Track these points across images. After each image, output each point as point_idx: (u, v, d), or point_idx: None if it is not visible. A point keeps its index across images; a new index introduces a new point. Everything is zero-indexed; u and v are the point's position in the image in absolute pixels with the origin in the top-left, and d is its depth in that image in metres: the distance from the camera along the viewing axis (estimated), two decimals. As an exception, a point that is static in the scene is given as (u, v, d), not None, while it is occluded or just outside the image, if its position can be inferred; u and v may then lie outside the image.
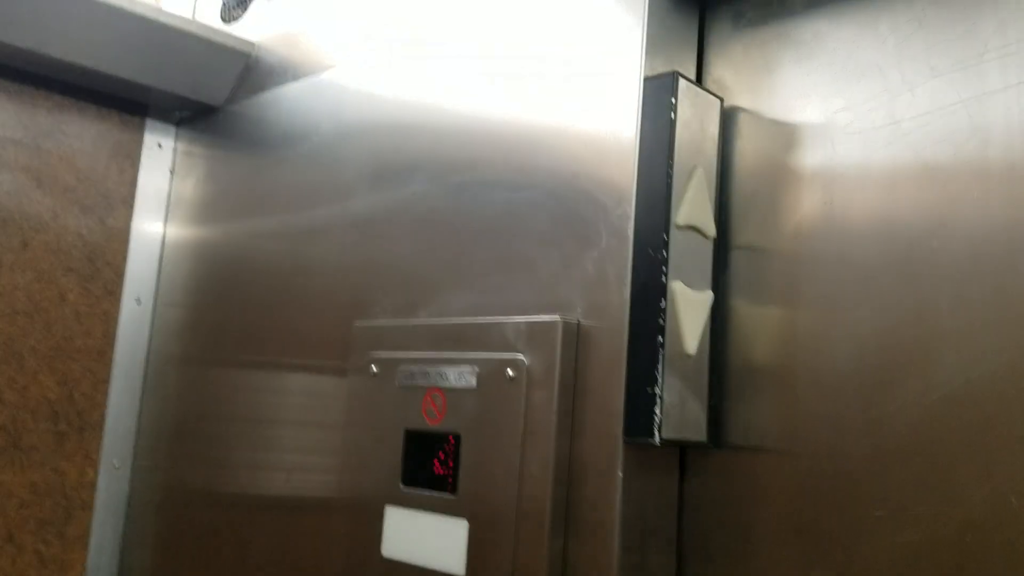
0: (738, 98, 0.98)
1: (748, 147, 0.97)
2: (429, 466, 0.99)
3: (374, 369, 1.08)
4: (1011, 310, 0.77)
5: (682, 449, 0.95)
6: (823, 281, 0.89)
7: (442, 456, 0.98)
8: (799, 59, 0.94)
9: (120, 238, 1.57)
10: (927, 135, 0.84)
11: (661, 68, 0.94)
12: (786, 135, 0.94)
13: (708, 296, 0.93)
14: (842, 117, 0.90)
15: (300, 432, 1.24)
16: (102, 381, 1.53)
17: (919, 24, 0.86)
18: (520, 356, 0.94)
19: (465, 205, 1.08)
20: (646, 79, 0.92)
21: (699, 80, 1.01)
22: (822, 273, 0.89)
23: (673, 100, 0.90)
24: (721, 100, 0.97)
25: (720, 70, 1.00)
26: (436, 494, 0.98)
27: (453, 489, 0.96)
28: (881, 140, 0.87)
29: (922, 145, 0.84)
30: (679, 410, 0.89)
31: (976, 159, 0.81)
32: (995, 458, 0.76)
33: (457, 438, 0.97)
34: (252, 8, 1.53)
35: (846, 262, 0.88)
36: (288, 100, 1.40)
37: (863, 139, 0.88)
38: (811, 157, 0.92)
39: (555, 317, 0.93)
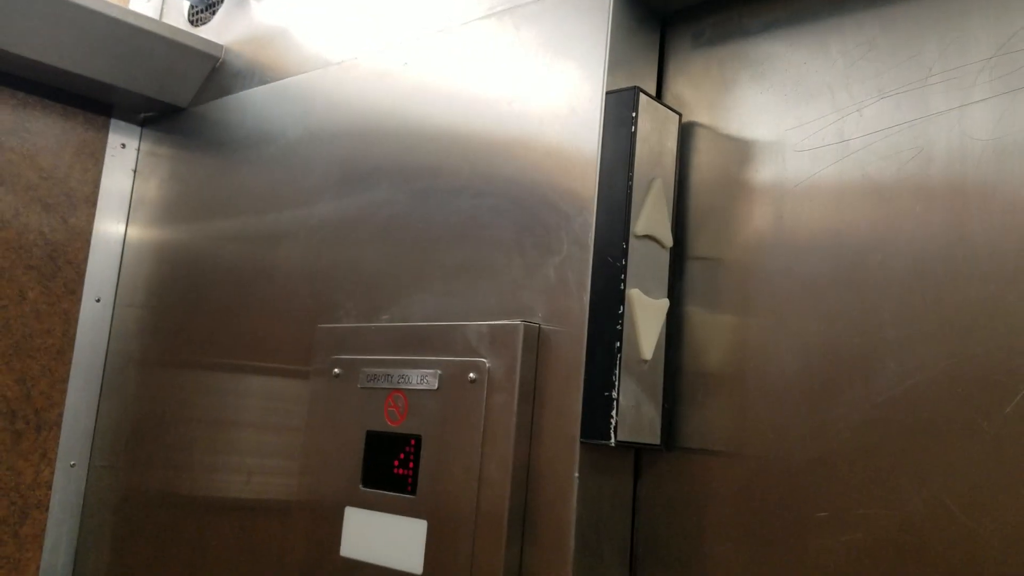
0: (696, 114, 1.02)
1: (705, 161, 1.00)
2: (389, 467, 1.01)
3: (336, 371, 1.09)
4: (950, 322, 0.81)
5: (636, 451, 0.98)
6: (773, 291, 0.92)
7: (402, 457, 1.00)
8: (754, 78, 0.98)
9: (82, 237, 1.57)
10: (873, 153, 0.88)
11: (623, 83, 0.97)
12: (740, 150, 0.97)
13: (664, 303, 0.96)
14: (793, 135, 0.94)
15: (261, 434, 1.25)
16: (61, 380, 1.53)
17: (868, 47, 0.90)
18: (482, 359, 0.96)
19: (430, 211, 1.10)
20: (608, 93, 0.96)
21: (659, 95, 1.04)
22: (772, 284, 0.93)
23: (634, 114, 0.94)
24: (680, 115, 1.00)
25: (679, 86, 1.04)
26: (396, 495, 0.99)
27: (413, 490, 0.98)
28: (829, 158, 0.91)
29: (868, 163, 0.88)
30: (634, 413, 0.91)
31: (919, 177, 0.85)
32: (932, 463, 0.80)
33: (418, 439, 0.99)
34: (221, 12, 1.54)
35: (794, 274, 0.91)
36: (254, 103, 1.41)
37: (812, 156, 0.92)
38: (763, 172, 0.95)
39: (517, 322, 0.95)
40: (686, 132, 1.02)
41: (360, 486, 1.03)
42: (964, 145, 0.83)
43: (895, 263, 0.85)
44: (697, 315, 0.97)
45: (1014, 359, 0.77)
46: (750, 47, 0.99)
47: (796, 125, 0.93)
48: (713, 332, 0.96)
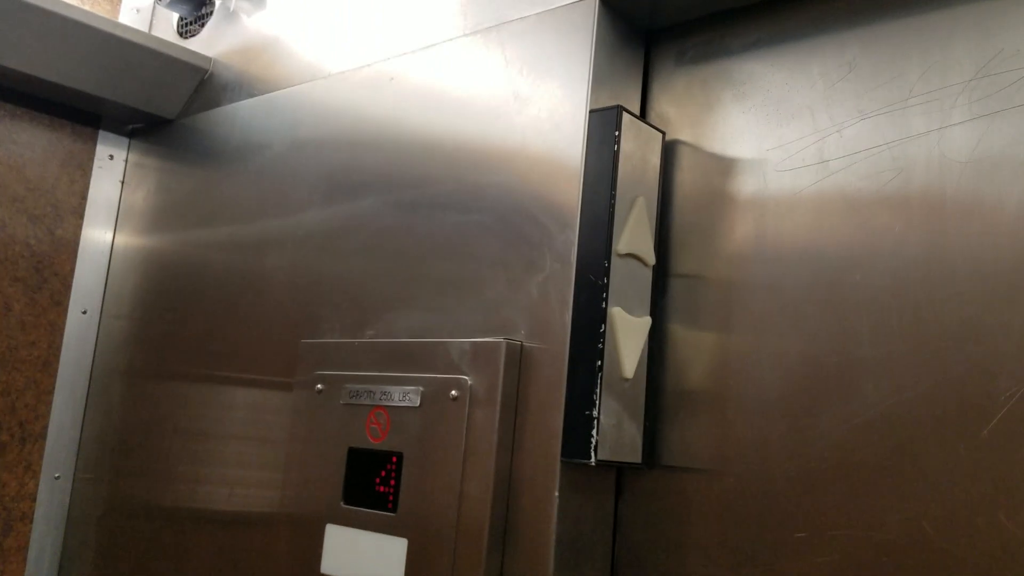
0: (680, 132, 1.02)
1: (688, 179, 1.00)
2: (371, 484, 1.00)
3: (319, 386, 1.09)
4: (928, 343, 0.81)
5: (618, 470, 0.98)
6: (754, 309, 0.92)
7: (384, 474, 0.99)
8: (736, 98, 0.98)
9: (68, 248, 1.56)
10: (853, 174, 0.88)
11: (606, 101, 0.98)
12: (722, 169, 0.97)
13: (646, 322, 0.96)
14: (774, 155, 0.94)
15: (244, 447, 1.25)
16: (46, 392, 1.52)
17: (849, 69, 0.91)
18: (464, 377, 0.96)
19: (416, 225, 1.10)
20: (591, 112, 0.96)
21: (643, 113, 1.05)
22: (753, 302, 0.93)
23: (616, 133, 0.94)
24: (663, 134, 1.01)
25: (663, 104, 1.04)
26: (377, 512, 0.99)
27: (394, 507, 0.98)
28: (810, 178, 0.91)
29: (848, 183, 0.88)
30: (615, 432, 0.91)
31: (899, 198, 0.85)
32: (910, 485, 0.80)
33: (399, 457, 0.99)
34: (210, 24, 1.54)
35: (775, 293, 0.91)
36: (242, 115, 1.41)
37: (793, 176, 0.92)
38: (744, 192, 0.96)
39: (499, 339, 0.95)
40: (669, 150, 1.02)
41: (341, 503, 1.03)
42: (943, 166, 0.83)
43: (874, 283, 0.85)
44: (679, 333, 0.97)
45: (992, 381, 0.77)
46: (733, 66, 0.99)
47: (777, 145, 0.94)
48: (694, 350, 0.96)
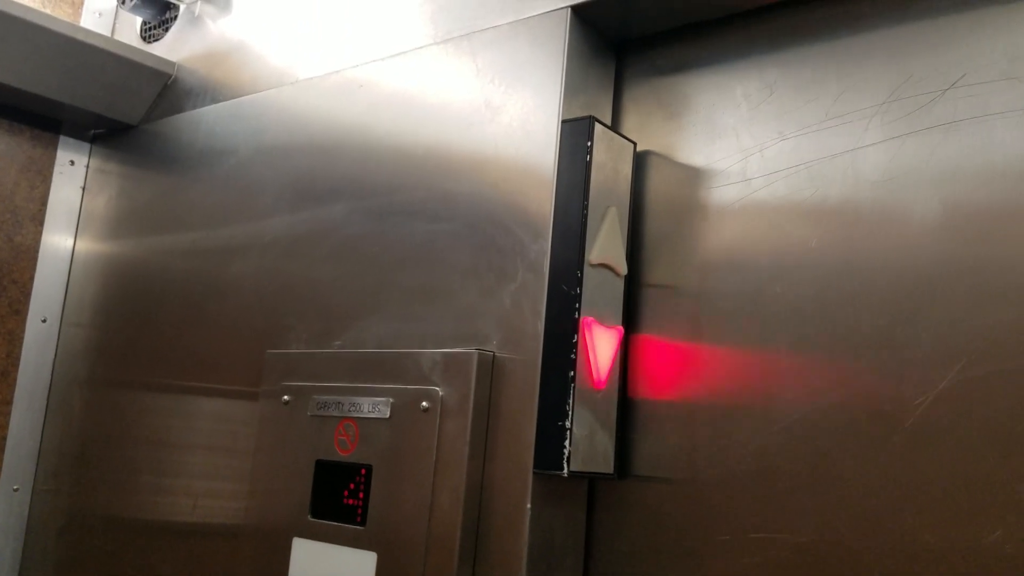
0: (649, 142, 1.02)
1: (655, 189, 1.01)
2: (339, 497, 0.99)
3: (286, 398, 1.07)
4: (843, 351, 0.84)
5: (590, 480, 0.97)
6: (693, 317, 0.95)
7: (352, 487, 0.98)
8: (671, 116, 1.01)
9: (28, 256, 1.53)
10: (772, 193, 0.91)
11: (579, 111, 0.97)
12: (689, 181, 0.98)
13: (618, 332, 0.96)
14: (705, 173, 0.96)
15: (209, 458, 1.23)
16: (4, 402, 1.49)
17: (770, 92, 0.93)
18: (435, 388, 0.95)
19: (385, 233, 1.09)
20: (564, 122, 0.96)
21: (615, 122, 1.05)
22: (693, 310, 0.96)
23: (589, 143, 0.94)
24: (634, 144, 1.01)
25: (633, 114, 1.04)
26: (345, 526, 0.98)
27: (362, 521, 0.97)
28: (734, 195, 0.94)
29: (768, 202, 0.91)
30: (588, 443, 0.91)
31: (816, 215, 0.88)
32: (826, 490, 0.83)
33: (369, 469, 0.98)
34: (174, 29, 1.51)
35: (708, 301, 0.94)
36: (207, 121, 1.39)
37: (720, 193, 0.95)
38: (689, 207, 0.97)
39: (471, 349, 0.95)
40: (641, 160, 1.02)
41: (309, 516, 1.01)
42: (858, 185, 0.86)
43: (793, 293, 0.88)
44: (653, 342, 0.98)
45: (901, 390, 0.80)
46: (694, 80, 1.00)
47: (706, 163, 0.97)
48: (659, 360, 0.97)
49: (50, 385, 1.53)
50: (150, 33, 1.56)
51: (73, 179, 1.58)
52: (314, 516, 1.01)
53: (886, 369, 0.82)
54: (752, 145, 0.94)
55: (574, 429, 0.89)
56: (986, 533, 0.74)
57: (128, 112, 1.50)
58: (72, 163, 1.58)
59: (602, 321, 0.94)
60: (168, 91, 1.48)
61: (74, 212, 1.58)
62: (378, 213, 1.11)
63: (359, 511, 0.97)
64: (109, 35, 1.59)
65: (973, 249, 0.80)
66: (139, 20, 1.58)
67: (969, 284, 0.79)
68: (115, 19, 1.62)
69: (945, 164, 0.82)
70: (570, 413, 0.89)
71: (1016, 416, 0.75)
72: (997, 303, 0.77)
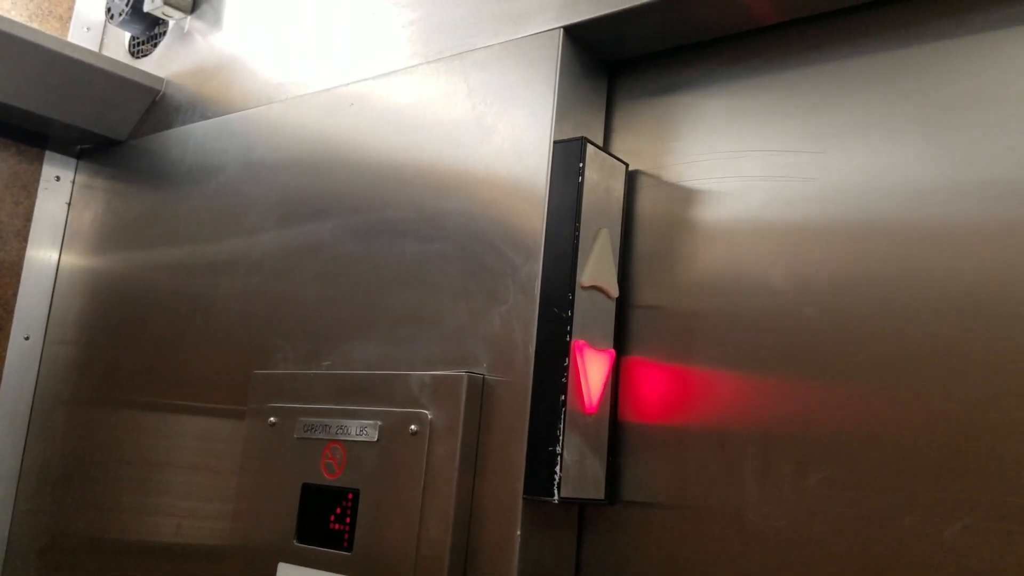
0: (640, 163, 1.01)
1: (647, 210, 1.01)
2: (325, 522, 0.97)
3: (272, 419, 1.06)
4: (840, 373, 0.84)
5: (580, 506, 0.96)
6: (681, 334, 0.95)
7: (339, 512, 0.96)
8: (662, 137, 1.01)
9: (11, 272, 1.51)
10: (765, 214, 0.92)
11: (570, 132, 0.97)
12: (680, 201, 0.98)
13: (610, 355, 0.95)
14: (697, 194, 0.97)
15: (193, 478, 1.21)
16: (-16, 421, 1.46)
17: (762, 113, 0.95)
18: (424, 411, 0.94)
19: (374, 253, 1.08)
20: (556, 142, 0.95)
21: (607, 143, 1.04)
22: (667, 328, 0.96)
23: (581, 165, 0.93)
24: (626, 165, 1.00)
25: (625, 135, 1.03)
26: (331, 551, 0.96)
27: (349, 546, 0.95)
28: (726, 215, 0.94)
29: (762, 222, 0.92)
30: (578, 468, 0.90)
31: (810, 235, 0.89)
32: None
33: (356, 494, 0.96)
34: (163, 44, 1.50)
35: (700, 322, 0.94)
36: (195, 138, 1.37)
37: (712, 214, 0.95)
38: (681, 227, 0.97)
39: (461, 372, 0.93)
40: (632, 180, 1.01)
41: (294, 541, 0.99)
42: (853, 205, 0.87)
43: (787, 315, 0.89)
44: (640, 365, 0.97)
45: (900, 412, 0.80)
46: (686, 100, 1.00)
47: (698, 184, 0.97)
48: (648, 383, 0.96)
49: (32, 404, 1.51)
50: (139, 48, 1.55)
51: (59, 195, 1.57)
52: (300, 541, 0.99)
53: (885, 392, 0.81)
54: (744, 166, 0.93)
55: (564, 455, 0.88)
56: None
57: (115, 127, 1.49)
58: (58, 179, 1.57)
59: (593, 344, 0.92)
60: (156, 107, 1.47)
61: (59, 228, 1.56)
62: (368, 233, 1.09)
63: (346, 536, 0.95)
64: (97, 50, 1.58)
65: (974, 263, 0.79)
66: (128, 35, 1.56)
67: (971, 298, 0.79)
68: (103, 34, 1.61)
69: (945, 181, 0.81)
70: (561, 438, 0.88)
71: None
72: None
